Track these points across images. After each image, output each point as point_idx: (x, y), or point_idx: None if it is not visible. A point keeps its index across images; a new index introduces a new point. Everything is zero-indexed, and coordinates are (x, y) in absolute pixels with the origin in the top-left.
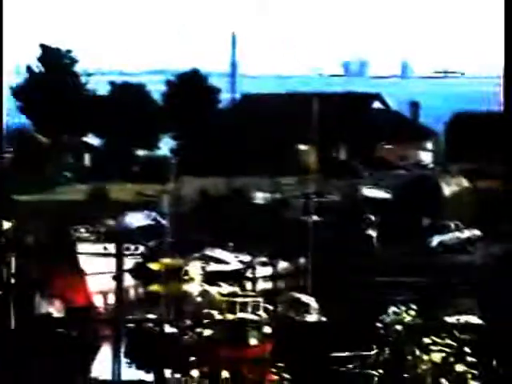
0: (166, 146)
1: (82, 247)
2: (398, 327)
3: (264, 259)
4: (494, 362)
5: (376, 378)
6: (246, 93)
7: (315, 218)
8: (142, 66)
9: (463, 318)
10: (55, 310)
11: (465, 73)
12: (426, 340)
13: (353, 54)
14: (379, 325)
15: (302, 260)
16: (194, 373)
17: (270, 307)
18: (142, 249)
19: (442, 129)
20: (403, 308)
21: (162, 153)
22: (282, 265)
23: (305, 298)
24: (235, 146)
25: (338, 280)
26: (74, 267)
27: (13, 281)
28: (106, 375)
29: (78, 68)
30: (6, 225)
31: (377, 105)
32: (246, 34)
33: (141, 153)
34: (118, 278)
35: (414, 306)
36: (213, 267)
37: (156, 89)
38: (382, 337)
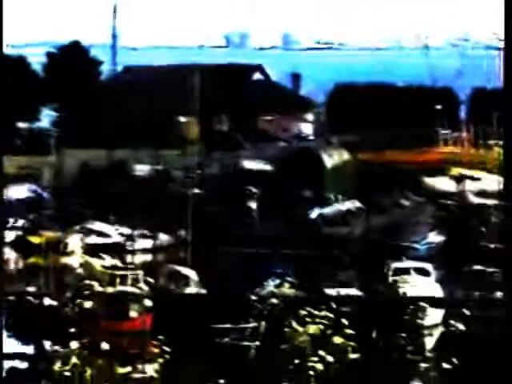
0: (47, 118)
1: None
2: (275, 299)
3: (144, 232)
4: (374, 334)
5: (253, 350)
6: (127, 64)
7: (196, 190)
8: (23, 38)
9: (343, 291)
10: None
11: (346, 44)
12: (303, 312)
13: (235, 26)
14: (256, 297)
15: (182, 233)
16: (74, 344)
17: (151, 280)
18: (22, 222)
19: (324, 100)
20: (280, 280)
21: (43, 125)
22: (163, 237)
23: (185, 270)
24: (116, 118)
25: (218, 252)
26: None
27: None
28: None
29: None
30: None
31: (258, 76)
32: (128, 5)
33: (22, 125)
34: None
35: (292, 279)
36: (93, 240)
37: (37, 61)
38: (260, 309)
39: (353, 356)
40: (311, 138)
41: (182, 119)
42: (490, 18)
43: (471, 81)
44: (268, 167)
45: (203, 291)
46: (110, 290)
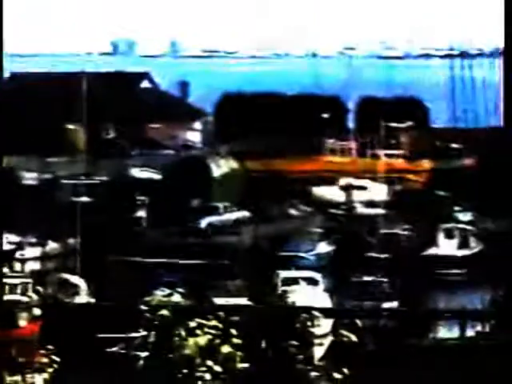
0: None
1: None
2: (164, 309)
3: (33, 240)
4: (263, 343)
5: (142, 360)
6: (13, 72)
7: (84, 198)
8: None
9: (232, 300)
10: None
11: (234, 52)
12: (192, 323)
13: (122, 33)
14: (145, 307)
15: (71, 241)
16: None
17: (40, 288)
18: None
19: (212, 109)
20: (169, 290)
21: None
22: (52, 246)
23: (74, 279)
24: (3, 125)
25: (107, 261)
26: None
27: None
28: None
29: None
30: None
31: (145, 84)
32: (14, 11)
33: None
34: None
35: (182, 289)
36: None
37: None
38: (149, 319)
39: (241, 365)
40: (199, 146)
41: (69, 127)
42: (377, 27)
43: (358, 90)
44: (156, 176)
45: (92, 300)
46: None
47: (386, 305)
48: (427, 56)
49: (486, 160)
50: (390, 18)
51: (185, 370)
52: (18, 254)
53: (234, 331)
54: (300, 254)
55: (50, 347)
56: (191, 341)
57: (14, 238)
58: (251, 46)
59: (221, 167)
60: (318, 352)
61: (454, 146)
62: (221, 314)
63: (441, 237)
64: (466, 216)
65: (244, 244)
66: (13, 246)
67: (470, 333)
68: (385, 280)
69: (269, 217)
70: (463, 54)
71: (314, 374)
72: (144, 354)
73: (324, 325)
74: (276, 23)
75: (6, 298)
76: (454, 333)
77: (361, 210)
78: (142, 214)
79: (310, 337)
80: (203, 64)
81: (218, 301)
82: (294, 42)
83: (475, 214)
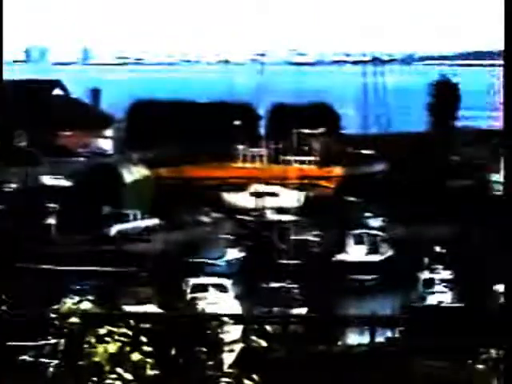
0: None
1: None
2: (74, 317)
3: None
4: (174, 350)
5: (52, 368)
6: None
7: None
8: None
9: (142, 308)
10: None
11: (145, 59)
12: (102, 330)
13: (34, 41)
14: (54, 315)
15: None
16: None
17: None
18: None
19: (124, 116)
20: (79, 297)
21: None
22: None
23: None
24: None
25: (16, 269)
26: None
27: None
28: None
29: None
30: None
31: (57, 91)
32: None
33: None
34: None
35: (92, 296)
36: None
37: None
38: (58, 326)
39: (151, 373)
40: (111, 153)
41: None
42: (288, 35)
43: (270, 96)
44: (67, 183)
45: (1, 308)
46: None
47: (295, 311)
48: (339, 62)
49: (396, 166)
50: (301, 24)
51: (94, 378)
52: None
53: (144, 338)
54: (210, 260)
55: None
56: (101, 348)
57: None
58: (163, 52)
59: (132, 174)
60: (228, 358)
61: (366, 152)
62: (131, 321)
63: (351, 243)
64: (376, 222)
65: (154, 251)
66: None
67: (379, 339)
68: (295, 286)
69: (179, 224)
70: (375, 60)
71: (224, 380)
72: (53, 362)
73: (234, 331)
74: (188, 30)
75: None
76: (364, 339)
77: (272, 216)
78: (52, 221)
79: (219, 343)
80: (115, 71)
81: (128, 308)
82: (206, 49)
83: (385, 220)
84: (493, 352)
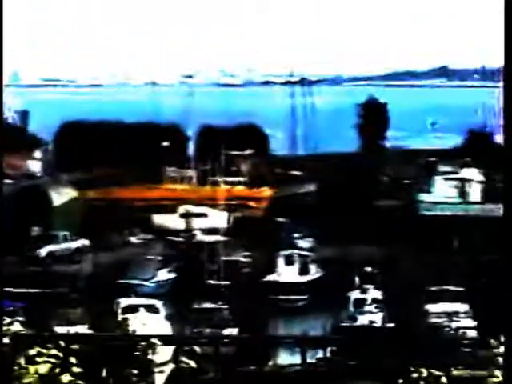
0: None
1: None
2: (4, 338)
3: None
4: (104, 372)
5: None
6: None
7: None
8: None
9: (73, 329)
10: None
11: (74, 81)
12: (33, 351)
13: None
14: None
15: None
16: None
17: None
18: None
19: (52, 138)
20: (10, 319)
21: None
22: None
23: None
24: None
25: None
26: None
27: None
28: None
29: None
30: None
31: None
32: None
33: None
34: None
35: (22, 317)
36: None
37: None
38: None
39: None
40: (39, 175)
41: None
42: (216, 56)
43: (199, 118)
44: None
45: None
46: None
47: (226, 331)
48: (268, 83)
49: (325, 186)
50: (229, 45)
51: None
52: None
53: (74, 359)
54: (140, 281)
55: None
56: (31, 369)
57: None
58: (92, 74)
59: (61, 196)
60: (159, 380)
61: (294, 172)
62: (61, 342)
63: (281, 263)
64: (305, 242)
65: (84, 272)
66: None
67: (310, 359)
68: (225, 307)
69: (110, 245)
70: (303, 81)
71: None
72: None
73: (164, 352)
74: (116, 52)
75: None
76: (295, 359)
77: (201, 237)
78: None
79: (150, 365)
80: (44, 93)
81: (59, 329)
82: (134, 71)
83: (315, 241)
84: (423, 372)
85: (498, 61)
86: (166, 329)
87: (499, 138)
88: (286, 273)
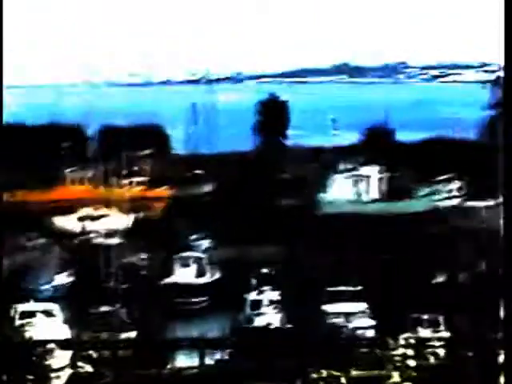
0: None
1: None
2: None
3: None
4: (4, 378)
5: None
6: None
7: None
8: None
9: None
10: None
11: None
12: None
13: None
14: None
15: None
16: None
17: None
18: None
19: None
20: None
21: None
22: None
23: None
24: None
25: None
26: None
27: None
28: None
29: None
30: None
31: None
32: None
33: None
34: None
35: None
36: None
37: None
38: None
39: None
40: None
41: None
42: (118, 55)
43: (99, 118)
44: None
45: None
46: None
47: (124, 335)
48: (168, 83)
49: (225, 185)
50: (130, 45)
51: None
52: None
53: None
54: (38, 286)
55: None
56: None
57: None
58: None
59: None
60: None
61: (196, 172)
62: None
63: (179, 265)
64: (204, 243)
65: None
66: None
67: (209, 361)
68: (123, 310)
69: (6, 249)
70: (204, 79)
71: None
72: None
73: (62, 357)
74: (15, 51)
75: None
76: (194, 361)
77: (99, 239)
78: None
79: (47, 370)
80: None
81: None
82: (37, 70)
83: (213, 242)
84: (323, 372)
85: (397, 58)
86: (64, 333)
87: (400, 135)
88: (183, 275)
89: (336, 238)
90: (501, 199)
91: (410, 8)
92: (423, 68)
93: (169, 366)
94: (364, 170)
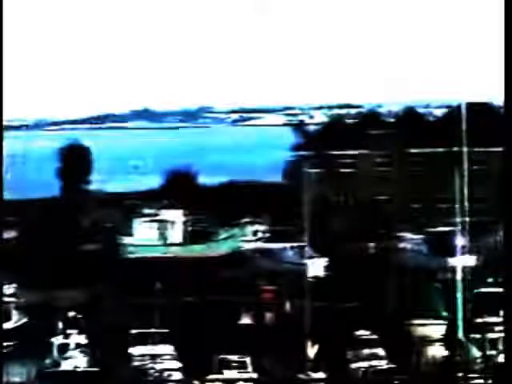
0: None
1: None
2: None
3: None
4: None
5: None
6: None
7: None
8: None
9: None
10: None
11: None
12: None
13: None
14: None
15: None
16: None
17: None
18: None
19: None
20: None
21: None
22: None
23: None
24: None
25: None
26: None
27: None
28: None
29: None
30: None
31: None
32: None
33: None
34: None
35: None
36: None
37: None
38: None
39: None
40: None
41: None
42: None
43: None
44: None
45: None
46: None
47: None
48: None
49: (29, 232)
50: None
51: None
52: None
53: None
54: None
55: None
56: None
57: None
58: None
59: None
60: None
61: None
62: None
63: None
64: (9, 288)
65: None
66: None
67: None
68: None
69: None
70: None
71: None
72: None
73: None
74: None
75: None
76: None
77: None
78: None
79: None
80: None
81: None
82: None
83: (19, 286)
84: None
85: (199, 101)
86: None
87: (202, 179)
88: None
89: (140, 281)
90: (306, 239)
91: (210, 53)
92: (226, 112)
93: None
94: (167, 214)
